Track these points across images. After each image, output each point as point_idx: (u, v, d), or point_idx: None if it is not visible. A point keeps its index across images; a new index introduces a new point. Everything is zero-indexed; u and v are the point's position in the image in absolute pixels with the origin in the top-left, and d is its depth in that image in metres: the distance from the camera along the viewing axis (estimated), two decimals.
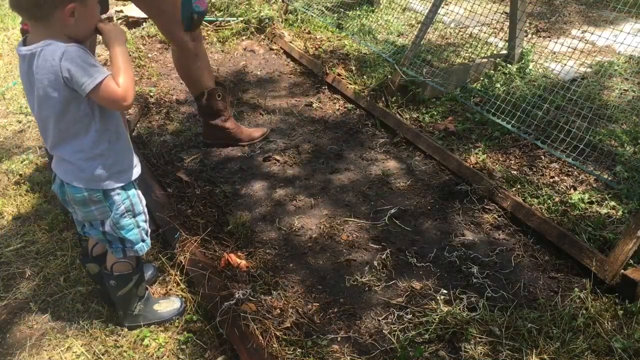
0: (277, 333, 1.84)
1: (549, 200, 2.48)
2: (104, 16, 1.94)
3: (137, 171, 1.75)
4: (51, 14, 1.46)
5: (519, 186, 2.59)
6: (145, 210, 1.81)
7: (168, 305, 1.98)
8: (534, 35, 4.36)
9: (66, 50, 1.46)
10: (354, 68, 3.71)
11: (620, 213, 2.38)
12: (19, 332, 1.93)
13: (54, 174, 1.70)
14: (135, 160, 1.75)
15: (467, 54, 3.87)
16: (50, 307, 2.03)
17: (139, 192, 1.78)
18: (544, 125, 2.95)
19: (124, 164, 1.69)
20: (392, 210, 2.48)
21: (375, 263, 2.19)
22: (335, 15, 4.64)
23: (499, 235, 2.36)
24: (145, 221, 1.81)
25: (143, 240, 1.80)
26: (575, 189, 2.57)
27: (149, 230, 1.84)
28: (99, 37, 1.92)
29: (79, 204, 1.67)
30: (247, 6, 4.75)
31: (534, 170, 2.73)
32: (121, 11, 4.58)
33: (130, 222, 1.74)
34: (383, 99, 3.34)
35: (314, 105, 3.49)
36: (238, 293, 1.96)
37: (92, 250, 1.92)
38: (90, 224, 1.74)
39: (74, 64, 1.45)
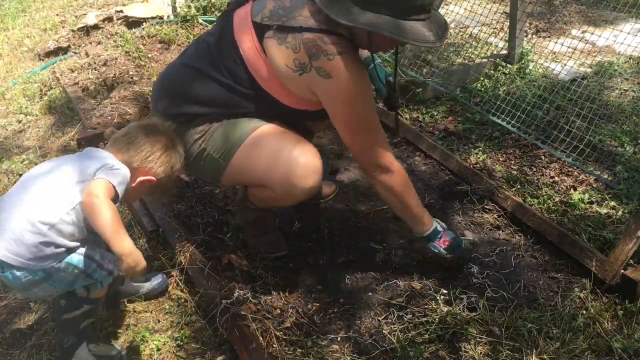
0: (277, 333, 1.84)
1: (549, 200, 2.48)
2: None
3: None
4: (133, 161, 1.63)
5: (519, 186, 2.59)
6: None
7: (105, 350, 1.80)
8: (534, 35, 4.36)
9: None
10: None
11: (620, 213, 2.38)
12: (19, 332, 1.93)
13: None
14: None
15: (467, 54, 3.87)
16: (50, 307, 2.02)
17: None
18: (544, 125, 2.95)
19: None
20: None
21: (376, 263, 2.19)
22: None
23: (499, 235, 2.36)
24: None
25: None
26: (575, 189, 2.57)
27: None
28: None
29: None
30: None
31: (534, 170, 2.73)
32: (121, 11, 4.57)
33: None
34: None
35: None
36: (238, 293, 1.96)
37: None
38: None
39: None
